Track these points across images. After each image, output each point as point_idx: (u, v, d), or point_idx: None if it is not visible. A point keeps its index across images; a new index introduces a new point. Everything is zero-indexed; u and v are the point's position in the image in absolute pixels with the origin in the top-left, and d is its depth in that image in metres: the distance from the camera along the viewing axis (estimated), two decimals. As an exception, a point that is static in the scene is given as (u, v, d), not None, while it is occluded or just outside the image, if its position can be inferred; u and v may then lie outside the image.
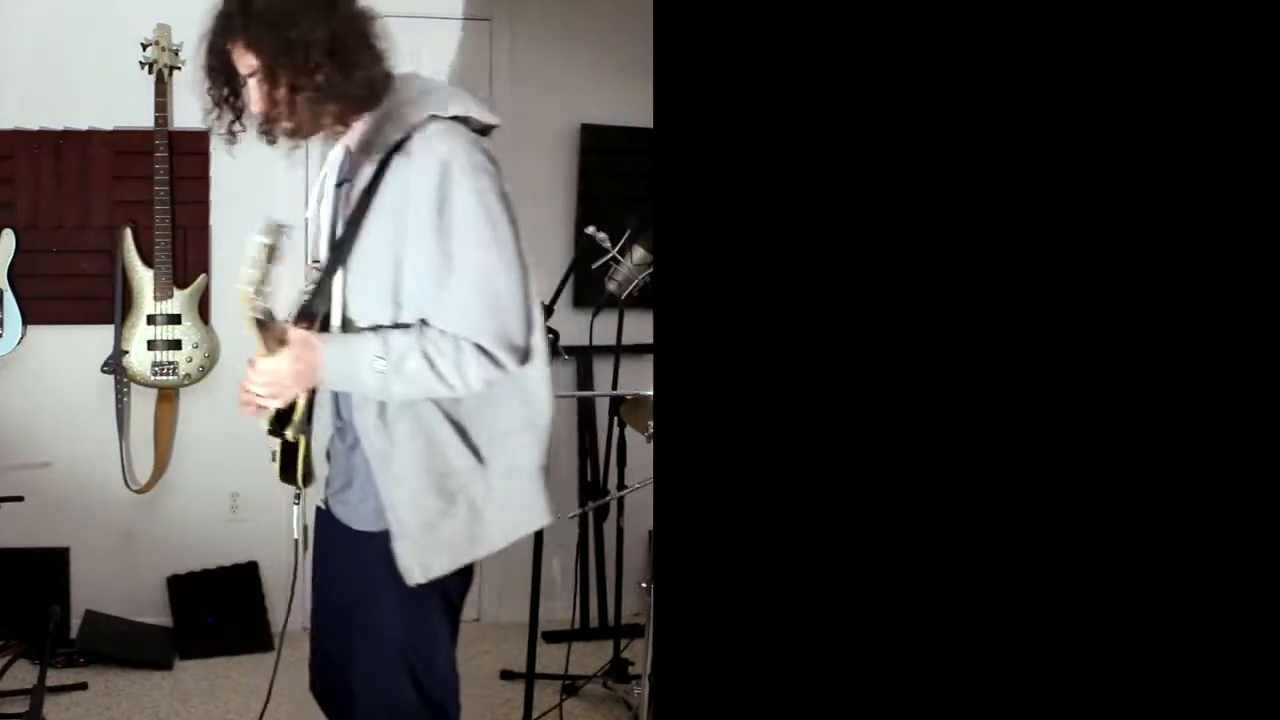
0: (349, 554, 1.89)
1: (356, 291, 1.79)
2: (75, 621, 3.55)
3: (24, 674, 3.21)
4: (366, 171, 1.77)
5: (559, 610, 3.71)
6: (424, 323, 1.74)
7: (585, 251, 2.83)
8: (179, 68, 3.46)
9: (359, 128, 1.81)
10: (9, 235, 3.45)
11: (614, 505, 3.78)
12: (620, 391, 3.82)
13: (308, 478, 1.90)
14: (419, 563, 1.79)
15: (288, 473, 1.91)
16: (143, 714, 3.18)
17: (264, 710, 2.41)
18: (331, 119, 1.77)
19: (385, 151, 1.74)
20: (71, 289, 3.53)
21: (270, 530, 3.80)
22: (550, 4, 3.78)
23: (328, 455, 1.93)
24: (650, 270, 2.71)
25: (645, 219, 2.80)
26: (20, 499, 3.31)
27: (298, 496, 1.94)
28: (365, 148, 1.78)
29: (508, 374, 1.76)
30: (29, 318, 3.46)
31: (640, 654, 3.20)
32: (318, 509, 1.99)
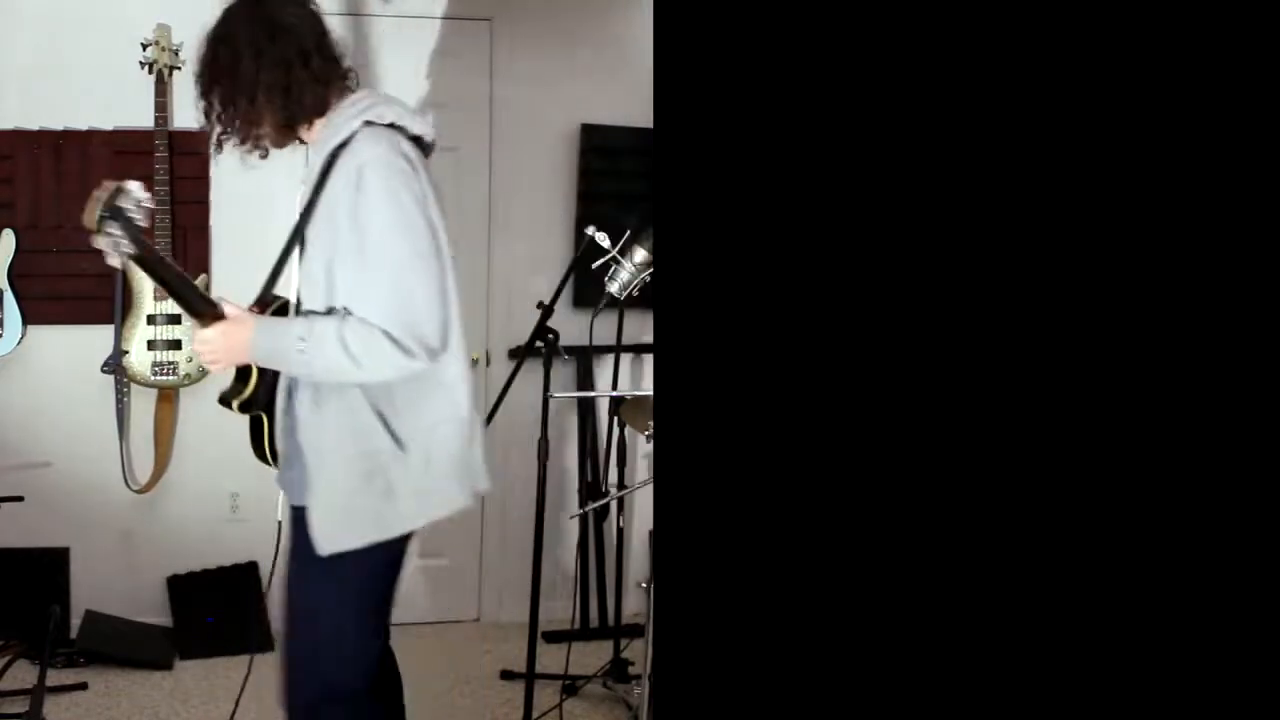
0: (293, 529, 2.05)
1: (303, 280, 1.99)
2: (75, 621, 3.56)
3: (24, 674, 3.22)
4: (315, 171, 1.97)
5: (559, 610, 3.71)
6: (347, 310, 1.89)
7: (585, 251, 2.83)
8: (179, 68, 3.46)
9: (317, 133, 2.02)
10: (9, 235, 3.45)
11: (614, 505, 3.78)
12: (620, 391, 3.82)
13: (275, 456, 2.08)
14: (327, 535, 1.94)
15: (257, 449, 2.11)
16: (143, 714, 3.18)
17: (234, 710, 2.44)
18: (273, 137, 2.01)
19: (329, 153, 1.95)
20: (71, 289, 3.53)
21: (270, 530, 3.80)
22: (550, 4, 3.78)
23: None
24: (650, 270, 2.70)
25: (645, 219, 2.80)
26: (20, 499, 3.31)
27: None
28: (318, 150, 1.99)
29: (419, 365, 1.89)
30: (29, 318, 3.46)
31: (640, 654, 3.21)
32: None
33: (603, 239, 2.77)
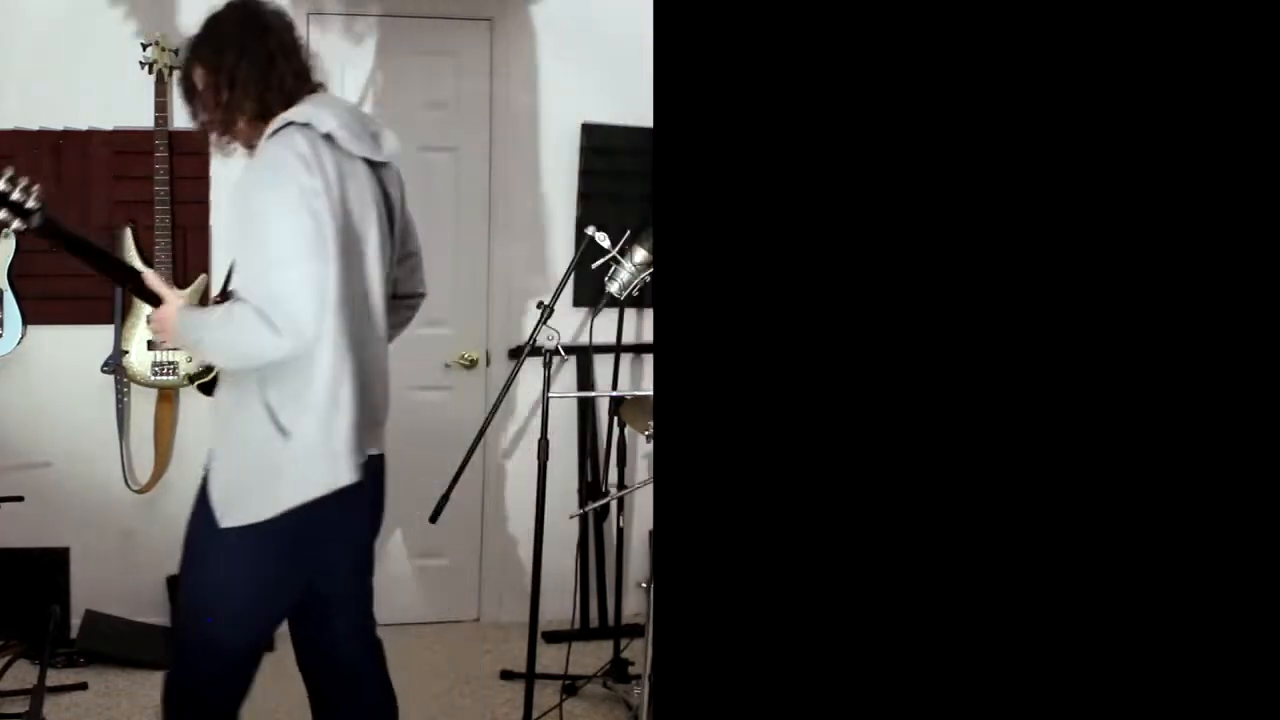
0: (198, 498, 2.21)
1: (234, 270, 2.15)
2: (75, 621, 3.56)
3: (24, 674, 3.22)
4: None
5: (559, 610, 3.71)
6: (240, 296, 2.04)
7: (585, 251, 2.83)
8: (179, 68, 3.46)
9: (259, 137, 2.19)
10: (9, 235, 3.45)
11: (614, 505, 3.78)
12: (620, 391, 3.82)
13: None
14: (224, 511, 2.13)
15: None
16: (143, 714, 3.18)
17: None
18: (246, 133, 2.20)
19: (259, 149, 2.14)
20: (71, 289, 3.52)
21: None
22: (550, 4, 3.78)
23: None
24: (650, 270, 2.71)
25: (645, 219, 2.80)
26: (20, 499, 3.31)
27: None
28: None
29: (287, 344, 2.01)
30: (29, 318, 3.46)
31: (640, 654, 3.21)
32: None
33: (603, 239, 2.77)
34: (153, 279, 2.22)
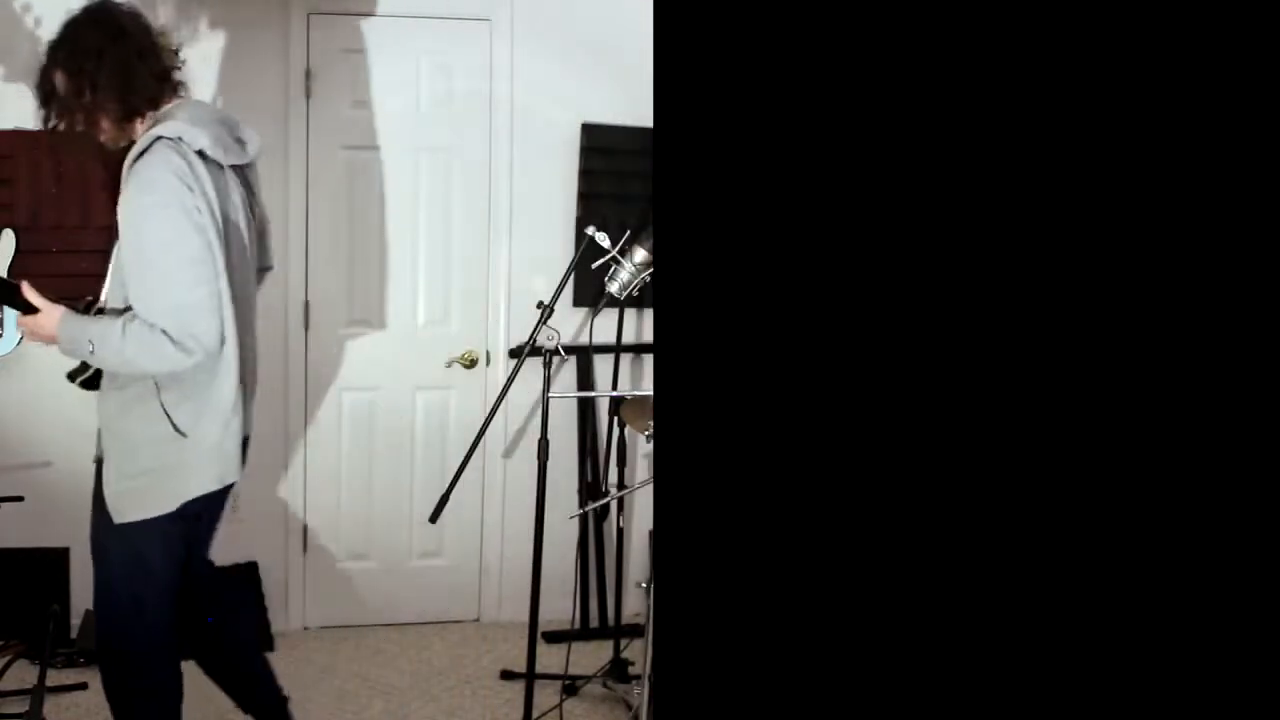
0: (95, 498, 2.36)
1: (112, 279, 2.30)
2: (75, 621, 3.56)
3: (24, 674, 3.22)
4: (123, 181, 2.22)
5: (559, 610, 3.71)
6: (134, 313, 2.16)
7: (585, 251, 2.83)
8: (178, 68, 3.46)
9: (139, 136, 2.26)
10: (9, 235, 3.44)
11: (614, 505, 3.78)
12: (620, 391, 3.83)
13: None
14: (118, 508, 2.29)
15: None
16: (143, 714, 3.18)
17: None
18: (112, 132, 2.29)
19: (129, 163, 2.20)
20: (72, 289, 3.51)
21: (270, 530, 3.80)
22: (550, 4, 3.78)
23: None
24: (650, 270, 2.71)
25: (645, 219, 2.80)
26: (20, 499, 3.31)
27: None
28: (128, 159, 2.23)
29: (198, 359, 2.16)
30: (29, 318, 3.46)
31: (640, 654, 3.21)
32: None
33: (603, 239, 2.77)
34: (29, 291, 2.30)
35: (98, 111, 2.25)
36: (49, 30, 2.38)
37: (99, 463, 2.39)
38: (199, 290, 2.15)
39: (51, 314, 2.26)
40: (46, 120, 2.31)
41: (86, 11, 2.31)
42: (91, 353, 2.21)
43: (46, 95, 2.30)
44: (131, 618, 2.39)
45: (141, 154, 2.18)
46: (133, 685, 2.45)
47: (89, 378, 2.39)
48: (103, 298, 2.37)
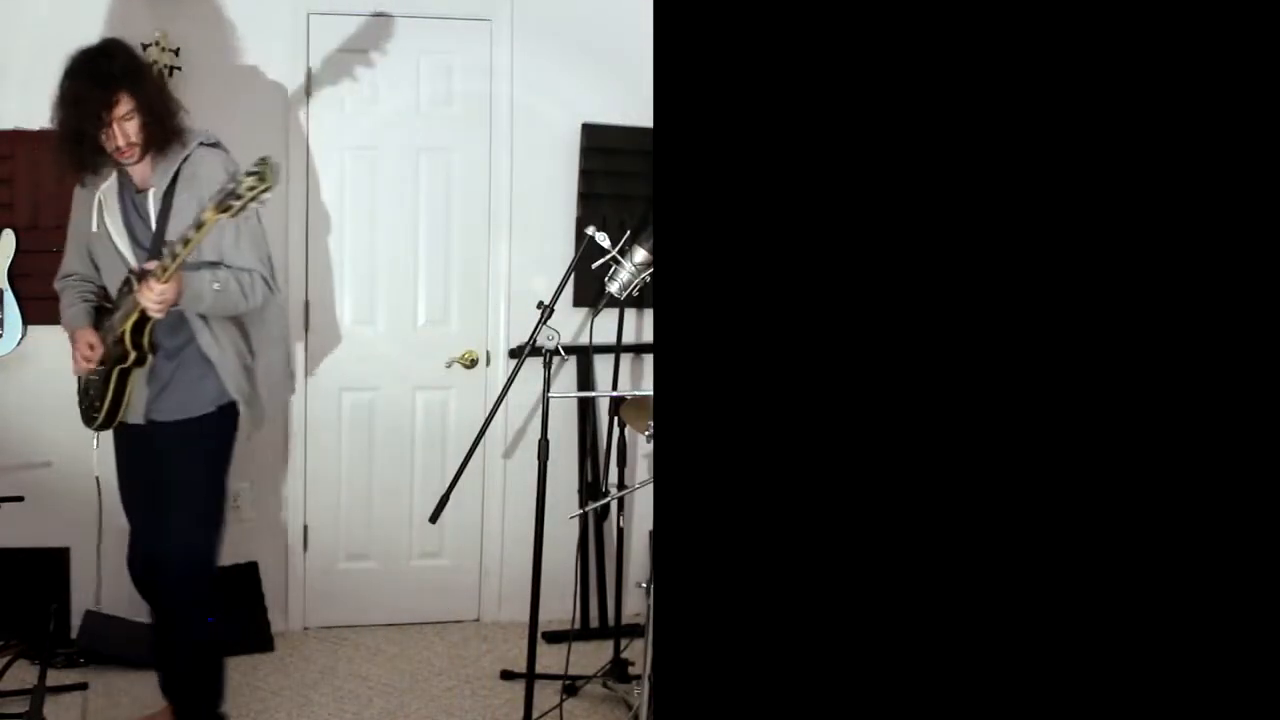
0: (166, 442, 2.85)
1: (170, 245, 2.64)
2: (75, 621, 3.55)
3: (24, 674, 3.22)
4: (162, 182, 2.74)
5: (559, 610, 3.71)
6: (223, 264, 2.76)
7: (585, 251, 2.83)
8: (179, 68, 3.46)
9: (148, 158, 2.75)
10: (9, 235, 3.44)
11: (614, 505, 3.78)
12: (620, 391, 3.82)
13: (121, 409, 2.87)
14: (251, 421, 2.95)
15: (115, 404, 2.85)
16: (143, 714, 3.18)
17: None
18: (155, 148, 2.74)
19: (175, 165, 2.75)
20: (71, 289, 3.52)
21: (270, 530, 3.80)
22: (550, 4, 3.78)
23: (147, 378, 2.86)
24: (650, 270, 2.71)
25: (645, 219, 2.79)
26: (20, 499, 3.31)
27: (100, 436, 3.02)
28: (153, 166, 2.76)
29: (278, 296, 2.92)
30: (29, 318, 3.46)
31: (640, 654, 3.21)
32: (124, 429, 2.91)
33: (603, 239, 2.77)
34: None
35: (150, 137, 2.70)
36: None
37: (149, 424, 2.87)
38: (266, 248, 2.86)
39: (170, 285, 2.60)
40: (102, 140, 2.66)
41: (121, 44, 2.77)
42: (217, 291, 2.70)
43: (100, 118, 2.63)
44: (215, 529, 2.92)
45: (186, 157, 2.75)
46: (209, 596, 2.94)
47: (139, 359, 2.79)
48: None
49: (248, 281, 2.76)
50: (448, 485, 2.78)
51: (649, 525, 3.90)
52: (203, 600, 2.90)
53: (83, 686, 3.30)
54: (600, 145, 3.81)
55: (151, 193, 2.76)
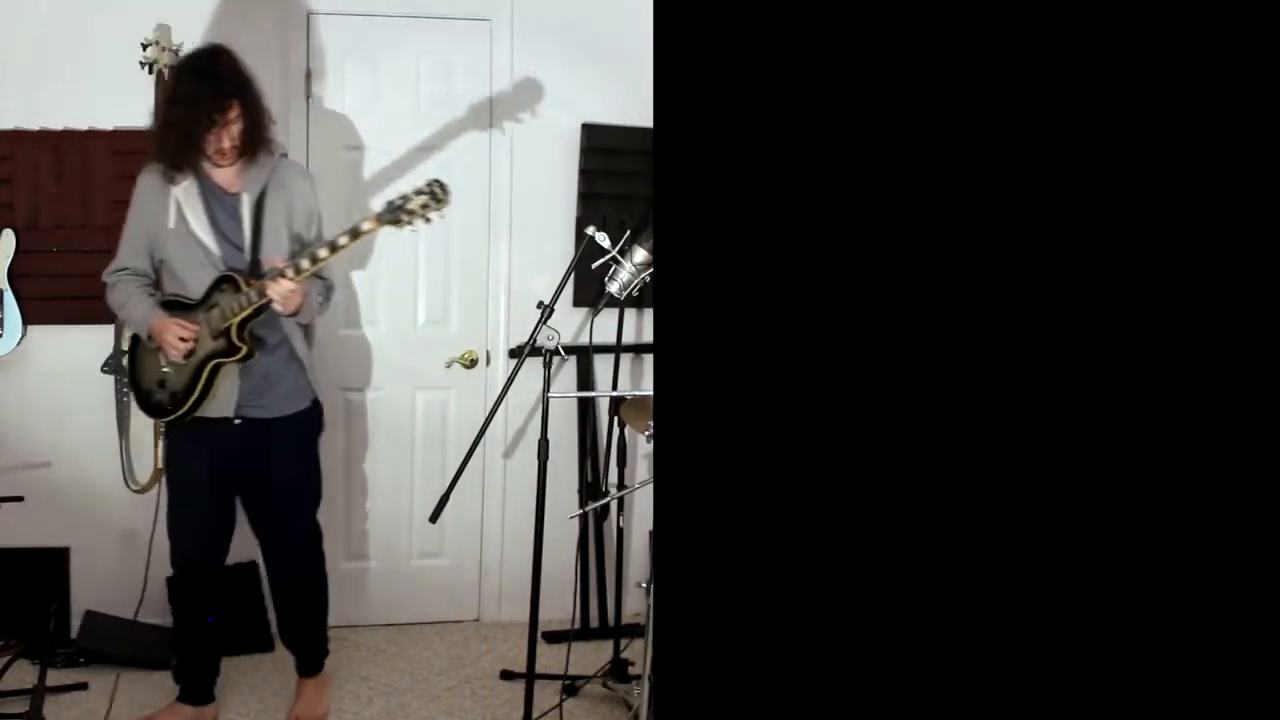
0: (271, 437, 3.00)
1: (270, 251, 2.91)
2: (75, 621, 3.55)
3: (24, 674, 3.21)
4: (254, 188, 2.92)
5: (559, 610, 3.71)
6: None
7: (585, 251, 2.83)
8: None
9: (238, 165, 2.91)
10: (9, 235, 3.44)
11: (614, 505, 3.78)
12: (620, 391, 3.82)
13: (205, 402, 2.94)
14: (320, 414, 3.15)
15: (199, 402, 2.93)
16: (143, 714, 3.18)
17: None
18: (249, 154, 2.90)
19: (266, 175, 2.93)
20: (71, 289, 3.52)
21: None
22: (550, 4, 3.78)
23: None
24: (650, 270, 2.71)
25: (645, 219, 2.80)
26: (20, 499, 3.31)
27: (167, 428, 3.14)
28: (242, 172, 2.92)
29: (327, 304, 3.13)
30: (29, 318, 3.46)
31: (640, 654, 3.21)
32: (200, 423, 2.96)
33: (603, 239, 2.77)
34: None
35: (248, 142, 2.87)
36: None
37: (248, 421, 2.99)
38: None
39: (299, 285, 2.80)
40: (210, 142, 2.81)
41: (227, 50, 2.89)
42: (320, 305, 2.99)
43: (212, 120, 2.78)
44: (317, 503, 3.22)
45: (274, 167, 2.94)
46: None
47: (249, 352, 2.92)
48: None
49: (324, 289, 3.03)
50: (448, 485, 2.78)
51: (649, 525, 3.89)
52: (317, 554, 3.25)
53: (83, 686, 3.30)
54: (600, 145, 3.81)
55: (245, 197, 2.90)
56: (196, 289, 2.88)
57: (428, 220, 2.72)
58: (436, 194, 2.68)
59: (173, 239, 2.89)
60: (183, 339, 2.84)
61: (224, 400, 2.92)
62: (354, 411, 3.86)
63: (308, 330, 3.12)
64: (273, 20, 3.60)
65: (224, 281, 2.85)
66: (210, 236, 2.88)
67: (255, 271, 2.87)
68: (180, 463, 3.04)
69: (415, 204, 2.68)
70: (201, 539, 3.06)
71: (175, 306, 2.91)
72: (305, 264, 2.77)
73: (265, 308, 2.82)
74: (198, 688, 3.14)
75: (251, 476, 3.04)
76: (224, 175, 2.91)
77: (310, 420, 3.09)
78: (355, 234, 2.73)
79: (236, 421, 2.95)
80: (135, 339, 3.05)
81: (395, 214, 2.69)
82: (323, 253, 2.77)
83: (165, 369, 2.93)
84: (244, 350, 2.87)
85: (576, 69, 3.80)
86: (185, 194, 2.88)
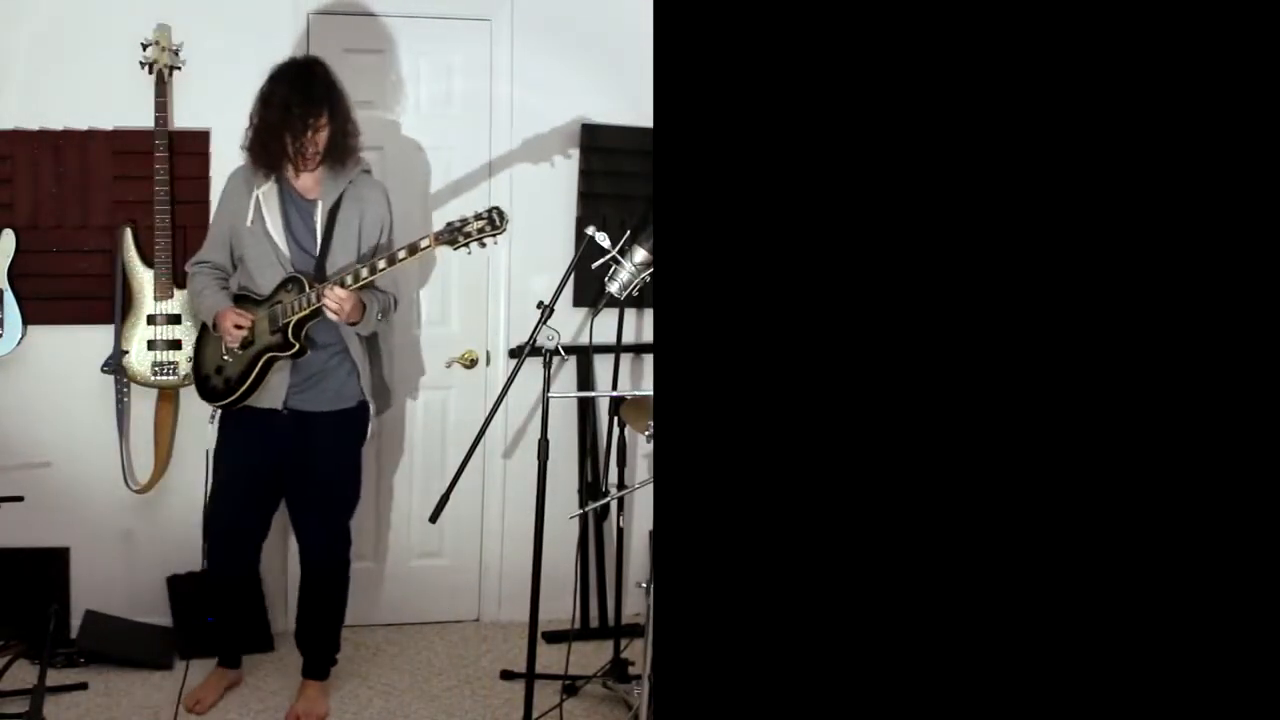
0: (314, 430, 3.13)
1: (337, 258, 3.07)
2: (75, 621, 3.55)
3: (24, 674, 3.21)
4: (330, 197, 3.07)
5: (559, 610, 3.71)
6: (374, 284, 3.04)
7: (585, 251, 2.83)
8: (179, 68, 3.46)
9: (319, 172, 3.07)
10: (9, 235, 3.44)
11: (614, 505, 3.78)
12: (620, 391, 3.82)
13: (255, 392, 3.08)
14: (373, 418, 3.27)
15: (250, 391, 3.07)
16: (142, 714, 3.18)
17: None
18: (332, 162, 3.05)
19: (343, 185, 3.07)
20: (71, 289, 3.52)
21: (270, 531, 3.80)
22: (550, 4, 3.78)
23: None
24: (650, 270, 2.71)
25: (645, 219, 2.80)
26: (20, 499, 3.31)
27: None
28: (321, 179, 3.07)
29: (393, 315, 3.23)
30: (29, 318, 3.46)
31: (640, 654, 3.21)
32: (248, 411, 3.11)
33: (603, 239, 2.77)
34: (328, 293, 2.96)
35: (331, 155, 3.02)
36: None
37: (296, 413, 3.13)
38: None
39: (351, 294, 2.91)
40: (299, 151, 2.96)
41: (321, 61, 3.07)
42: (379, 319, 3.07)
43: (305, 128, 2.93)
44: (356, 502, 3.32)
45: (351, 182, 3.07)
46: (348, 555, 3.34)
47: (300, 349, 3.04)
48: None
49: (385, 302, 3.10)
50: (448, 485, 2.78)
51: (649, 525, 3.89)
52: (342, 558, 3.32)
53: (83, 686, 3.30)
54: (600, 145, 3.81)
55: (321, 204, 3.06)
56: (265, 286, 3.04)
57: (483, 245, 2.82)
58: (494, 220, 2.78)
59: (249, 236, 3.05)
60: (239, 326, 3.00)
61: (274, 392, 3.07)
62: (354, 411, 3.86)
63: (371, 340, 3.21)
64: (272, 20, 3.59)
65: (290, 282, 3.00)
66: (283, 238, 3.04)
67: (320, 276, 3.02)
68: (230, 446, 3.19)
69: (473, 227, 2.79)
70: (242, 511, 3.20)
71: (244, 300, 3.08)
72: (364, 273, 2.90)
73: (321, 311, 2.94)
74: (232, 653, 3.37)
75: (295, 469, 3.17)
76: (304, 181, 3.06)
77: (354, 419, 3.18)
78: (413, 250, 2.86)
79: (284, 413, 3.10)
80: (204, 326, 3.21)
81: (453, 235, 2.81)
82: (381, 264, 2.89)
83: (225, 357, 3.10)
84: (297, 347, 3.01)
85: (576, 69, 3.80)
86: (266, 195, 3.04)
